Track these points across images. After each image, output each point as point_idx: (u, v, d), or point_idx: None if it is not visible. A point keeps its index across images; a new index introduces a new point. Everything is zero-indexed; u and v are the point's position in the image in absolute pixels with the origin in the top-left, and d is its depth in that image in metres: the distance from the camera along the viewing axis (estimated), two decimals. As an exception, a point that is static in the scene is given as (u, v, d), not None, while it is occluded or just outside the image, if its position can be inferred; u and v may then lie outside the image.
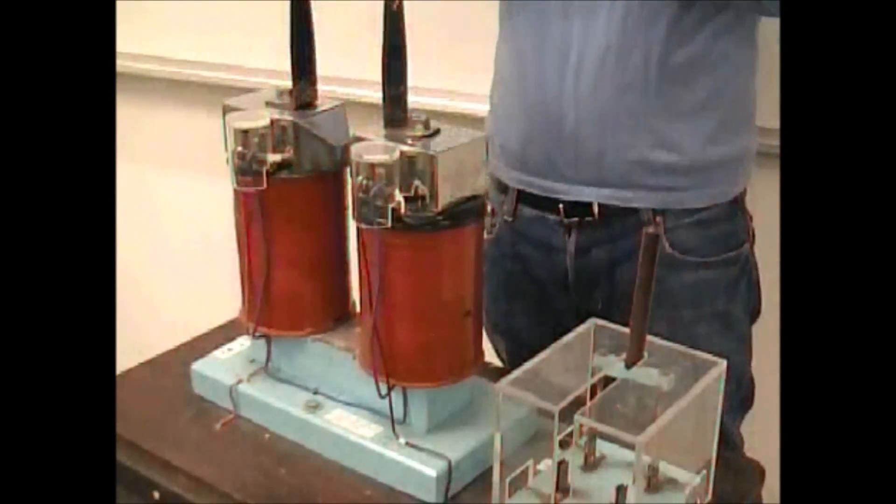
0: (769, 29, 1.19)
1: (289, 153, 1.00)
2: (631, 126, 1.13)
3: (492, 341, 1.34)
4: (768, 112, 1.15)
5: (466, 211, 0.94)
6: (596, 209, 1.17)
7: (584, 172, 1.15)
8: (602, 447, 0.94)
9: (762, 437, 1.23)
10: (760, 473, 1.06)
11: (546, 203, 1.20)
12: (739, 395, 1.24)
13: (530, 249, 1.24)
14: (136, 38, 1.86)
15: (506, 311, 1.30)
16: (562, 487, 0.88)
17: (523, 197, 1.22)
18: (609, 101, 1.12)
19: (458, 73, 1.61)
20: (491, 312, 1.31)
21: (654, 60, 1.11)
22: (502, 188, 1.25)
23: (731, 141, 1.17)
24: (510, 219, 1.24)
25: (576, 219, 1.18)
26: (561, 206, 1.19)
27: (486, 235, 1.26)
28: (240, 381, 1.09)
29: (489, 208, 1.27)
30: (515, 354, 1.30)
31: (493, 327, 1.33)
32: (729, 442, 1.22)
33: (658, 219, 1.15)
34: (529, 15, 1.16)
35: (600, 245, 1.19)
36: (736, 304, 1.21)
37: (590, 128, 1.13)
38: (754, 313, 1.25)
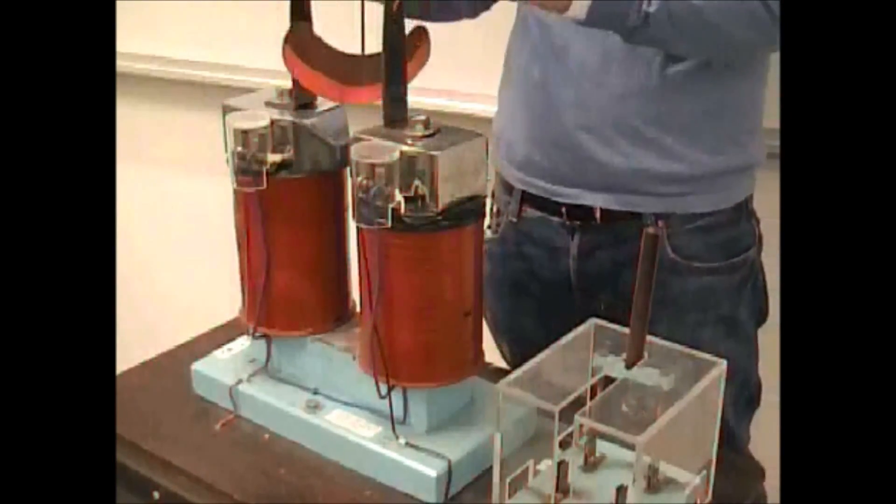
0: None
1: (289, 153, 1.00)
2: (632, 135, 1.12)
3: (496, 342, 1.34)
4: (772, 113, 1.14)
5: (466, 211, 0.94)
6: (598, 213, 1.16)
7: (586, 178, 1.15)
8: (602, 447, 0.94)
9: (763, 436, 1.23)
10: (760, 473, 1.06)
11: (549, 205, 1.19)
12: (744, 397, 1.23)
13: (535, 250, 1.23)
14: (136, 38, 1.86)
15: (510, 311, 1.30)
16: (562, 487, 0.88)
17: (527, 198, 1.22)
18: (609, 108, 1.11)
19: (457, 73, 1.61)
20: (496, 312, 1.30)
21: (656, 68, 1.09)
22: (508, 188, 1.24)
23: (737, 152, 1.15)
24: (515, 219, 1.24)
25: (578, 221, 1.18)
26: (563, 208, 1.18)
27: (491, 234, 1.26)
28: (240, 381, 1.09)
29: (495, 208, 1.27)
30: (520, 355, 1.29)
31: (497, 328, 1.32)
32: (734, 442, 1.22)
33: (661, 223, 1.14)
34: (535, 14, 1.16)
35: (604, 248, 1.18)
36: (741, 308, 1.20)
37: (590, 135, 1.13)
38: (761, 317, 1.23)
